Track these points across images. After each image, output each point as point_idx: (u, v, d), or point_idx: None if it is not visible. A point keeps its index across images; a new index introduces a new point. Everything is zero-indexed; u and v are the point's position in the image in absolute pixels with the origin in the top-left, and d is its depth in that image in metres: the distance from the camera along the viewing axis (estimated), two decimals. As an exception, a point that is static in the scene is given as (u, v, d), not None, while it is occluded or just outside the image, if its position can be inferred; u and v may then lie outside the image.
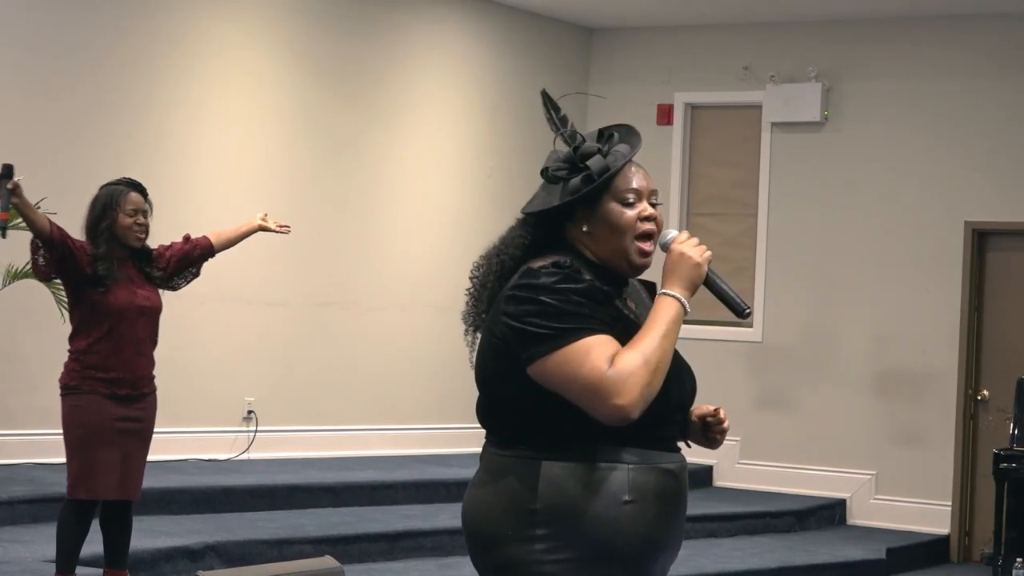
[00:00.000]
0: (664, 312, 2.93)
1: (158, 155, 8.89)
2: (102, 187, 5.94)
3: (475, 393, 3.06)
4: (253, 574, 4.28)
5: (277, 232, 6.54)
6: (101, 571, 6.00)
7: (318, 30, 9.86)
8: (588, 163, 2.99)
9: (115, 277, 5.77)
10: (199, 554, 6.92)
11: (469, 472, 10.68)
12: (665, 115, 11.19)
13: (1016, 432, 8.92)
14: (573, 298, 2.88)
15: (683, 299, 2.95)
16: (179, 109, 9.08)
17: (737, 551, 8.72)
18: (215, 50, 9.27)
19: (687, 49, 11.25)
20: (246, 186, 9.32)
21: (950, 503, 10.26)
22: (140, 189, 5.92)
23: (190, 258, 6.12)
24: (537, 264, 2.96)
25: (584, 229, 3.01)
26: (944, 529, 10.24)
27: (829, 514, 10.34)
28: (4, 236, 5.64)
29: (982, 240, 10.42)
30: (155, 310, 5.94)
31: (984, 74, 10.35)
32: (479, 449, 3.10)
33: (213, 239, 6.22)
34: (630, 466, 2.91)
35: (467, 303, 3.08)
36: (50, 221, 5.73)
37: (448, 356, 10.52)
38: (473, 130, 10.90)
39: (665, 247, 3.03)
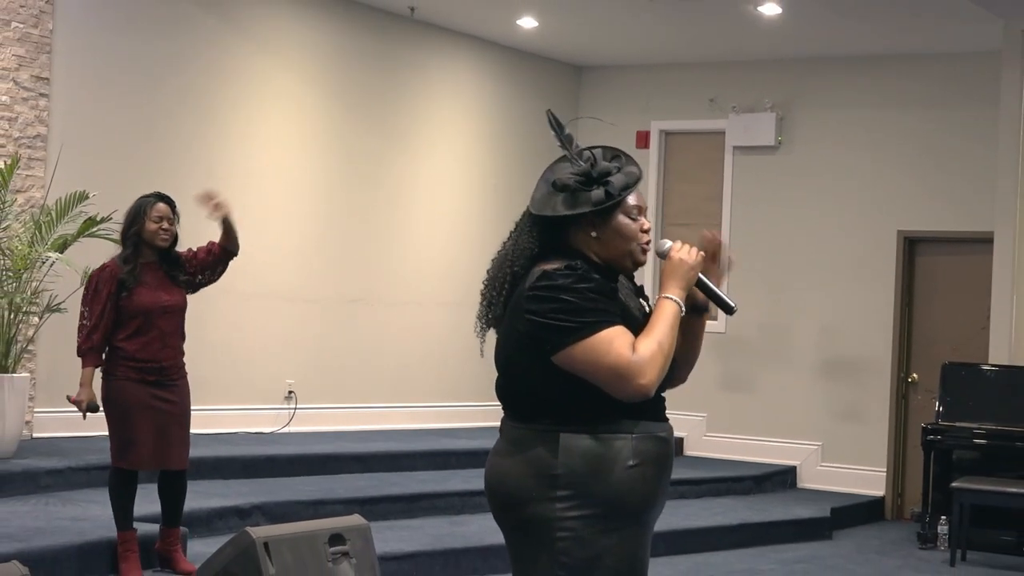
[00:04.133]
0: (667, 310, 2.97)
1: (210, 173, 8.89)
2: (136, 200, 5.88)
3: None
4: (293, 530, 4.30)
5: (216, 213, 5.91)
6: (158, 527, 6.01)
7: (349, 66, 9.87)
8: (610, 179, 3.01)
9: (136, 281, 5.72)
10: (247, 513, 6.93)
11: (477, 443, 10.66)
12: (643, 140, 11.21)
13: (941, 410, 8.94)
14: (589, 295, 2.90)
15: (680, 301, 2.99)
16: (229, 132, 9.09)
17: (704, 510, 8.73)
18: (260, 81, 9.29)
19: (662, 84, 11.27)
20: (286, 199, 9.34)
21: (885, 469, 10.28)
22: (167, 200, 5.85)
23: (216, 261, 5.96)
24: (551, 267, 2.95)
25: (593, 235, 3.01)
26: (880, 492, 10.25)
27: (782, 479, 10.35)
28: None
29: (912, 247, 10.43)
30: (178, 308, 5.85)
31: (914, 105, 10.36)
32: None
33: (226, 245, 5.97)
34: (633, 435, 2.94)
35: (481, 304, 3.08)
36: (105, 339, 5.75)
37: (459, 345, 10.55)
38: (479, 151, 10.91)
39: (663, 255, 3.07)
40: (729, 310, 3.14)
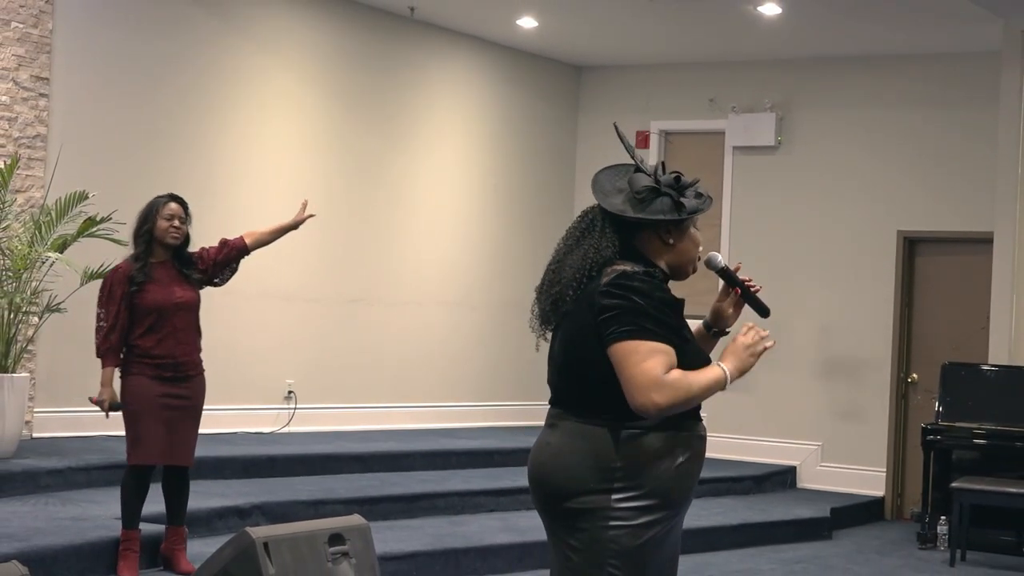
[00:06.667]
0: (715, 374, 3.06)
1: (211, 173, 8.91)
2: (150, 200, 5.95)
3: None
4: (293, 530, 4.29)
5: (302, 220, 6.19)
6: (163, 527, 6.03)
7: (349, 66, 9.88)
8: (699, 190, 3.17)
9: (147, 277, 5.78)
10: (247, 512, 6.93)
11: (477, 443, 10.61)
12: (643, 140, 11.19)
13: (940, 410, 8.94)
14: (657, 304, 3.02)
15: (730, 379, 3.09)
16: (229, 132, 9.10)
17: (704, 510, 8.72)
18: (260, 81, 9.29)
19: (662, 84, 11.27)
20: (286, 199, 9.30)
21: (885, 469, 10.28)
22: (179, 200, 5.92)
23: (227, 259, 6.06)
24: (628, 268, 3.07)
25: (671, 242, 3.15)
26: (880, 492, 10.25)
27: (782, 479, 10.35)
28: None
29: (912, 247, 10.43)
30: (191, 305, 5.89)
31: (913, 104, 10.36)
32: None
33: (248, 240, 6.09)
34: (684, 433, 3.10)
35: (545, 302, 3.17)
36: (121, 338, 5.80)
37: (458, 344, 10.56)
38: (479, 152, 10.90)
39: (715, 267, 3.28)
40: (765, 313, 3.34)
